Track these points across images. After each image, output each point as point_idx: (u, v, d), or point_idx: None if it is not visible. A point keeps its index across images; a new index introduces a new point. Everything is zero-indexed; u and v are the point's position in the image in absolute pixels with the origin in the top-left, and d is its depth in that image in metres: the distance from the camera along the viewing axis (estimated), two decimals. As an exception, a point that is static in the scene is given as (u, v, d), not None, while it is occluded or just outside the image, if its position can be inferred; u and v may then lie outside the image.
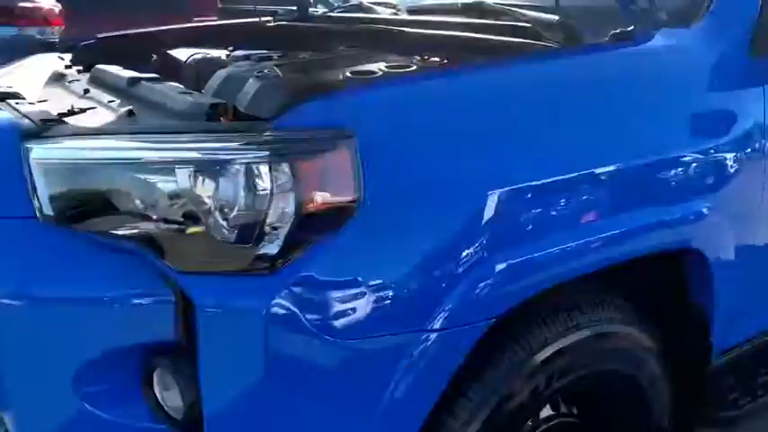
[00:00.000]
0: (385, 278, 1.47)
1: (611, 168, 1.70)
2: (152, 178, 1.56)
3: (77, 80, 2.43)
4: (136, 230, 1.55)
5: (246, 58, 2.48)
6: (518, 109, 1.65)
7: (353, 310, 1.46)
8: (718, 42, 1.99)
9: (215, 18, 6.65)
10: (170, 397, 1.56)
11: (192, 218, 1.53)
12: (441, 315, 1.51)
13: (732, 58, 2.00)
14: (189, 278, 1.48)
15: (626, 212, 1.72)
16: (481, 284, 1.53)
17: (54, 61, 2.66)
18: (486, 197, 1.54)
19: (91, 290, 1.56)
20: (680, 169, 1.83)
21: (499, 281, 1.54)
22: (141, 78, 2.12)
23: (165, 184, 1.55)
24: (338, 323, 1.46)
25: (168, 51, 2.71)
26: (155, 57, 2.73)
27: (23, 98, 2.02)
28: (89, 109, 2.00)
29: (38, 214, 1.60)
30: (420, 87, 1.66)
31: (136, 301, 1.55)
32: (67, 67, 2.58)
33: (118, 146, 1.61)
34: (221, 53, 2.59)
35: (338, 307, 1.46)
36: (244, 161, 1.46)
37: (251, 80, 2.08)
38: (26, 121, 1.73)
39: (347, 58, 2.36)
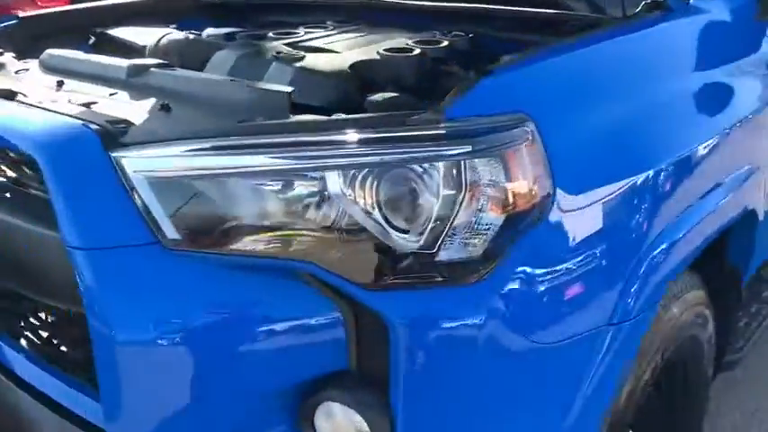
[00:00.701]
0: (578, 274, 1.39)
1: (719, 133, 1.74)
2: (295, 185, 1.35)
3: (25, 69, 2.04)
4: (297, 248, 1.33)
5: (231, 37, 2.22)
6: (659, 77, 1.64)
7: (557, 311, 1.38)
8: (733, 9, 2.08)
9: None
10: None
11: (350, 227, 1.34)
12: (623, 307, 1.46)
13: (745, 22, 2.10)
14: (379, 295, 1.30)
15: (728, 181, 1.77)
16: (654, 268, 1.50)
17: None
18: (651, 176, 1.50)
19: (242, 325, 1.33)
20: (743, 130, 1.88)
21: (666, 263, 1.52)
22: (148, 66, 1.82)
23: (306, 190, 1.34)
24: (544, 327, 1.37)
25: (108, 31, 2.37)
26: (93, 37, 2.36)
27: (26, 95, 1.66)
28: (91, 104, 1.68)
29: (161, 240, 1.32)
30: (570, 60, 1.56)
31: (295, 331, 1.35)
32: (-1, 54, 2.16)
33: (243, 150, 1.36)
34: (173, 32, 2.28)
35: (544, 310, 1.36)
36: (436, 158, 1.29)
37: (276, 64, 1.87)
38: (93, 126, 1.42)
39: (355, 35, 2.19)
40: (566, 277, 1.37)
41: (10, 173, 1.59)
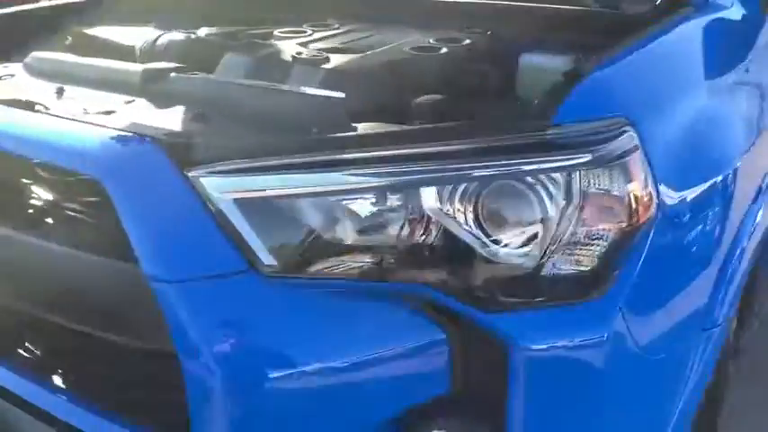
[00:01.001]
0: (682, 282, 1.36)
1: (760, 131, 1.73)
2: (391, 201, 1.25)
3: (10, 74, 1.86)
4: (397, 269, 1.24)
5: (232, 36, 2.07)
6: (713, 73, 1.61)
7: (667, 321, 1.34)
8: (744, 4, 2.09)
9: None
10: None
11: (451, 244, 1.26)
12: (713, 313, 1.43)
13: (754, 15, 2.12)
14: (496, 316, 1.22)
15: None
16: (734, 272, 1.48)
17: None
18: (721, 179, 1.47)
19: (345, 354, 1.23)
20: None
21: (741, 267, 1.51)
22: (167, 70, 1.68)
23: (403, 206, 1.25)
24: (657, 339, 1.31)
25: (87, 31, 2.17)
26: (70, 37, 2.16)
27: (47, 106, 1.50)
28: (110, 113, 1.54)
29: (256, 266, 1.20)
30: (646, 58, 1.49)
31: (399, 356, 1.25)
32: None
33: (336, 167, 1.24)
34: (166, 31, 2.11)
35: (657, 321, 1.32)
36: (553, 170, 1.22)
37: (299, 66, 1.77)
38: (161, 142, 1.28)
39: (367, 34, 2.08)
40: (672, 286, 1.34)
41: (45, 194, 1.42)
